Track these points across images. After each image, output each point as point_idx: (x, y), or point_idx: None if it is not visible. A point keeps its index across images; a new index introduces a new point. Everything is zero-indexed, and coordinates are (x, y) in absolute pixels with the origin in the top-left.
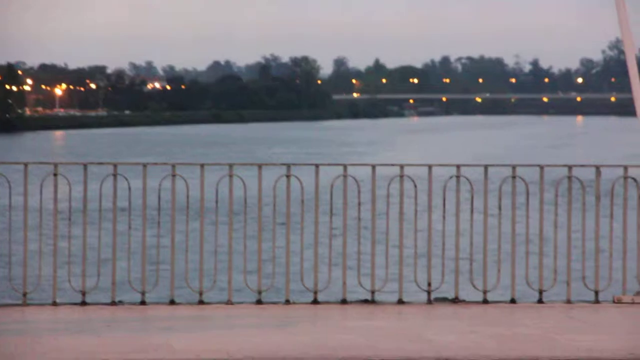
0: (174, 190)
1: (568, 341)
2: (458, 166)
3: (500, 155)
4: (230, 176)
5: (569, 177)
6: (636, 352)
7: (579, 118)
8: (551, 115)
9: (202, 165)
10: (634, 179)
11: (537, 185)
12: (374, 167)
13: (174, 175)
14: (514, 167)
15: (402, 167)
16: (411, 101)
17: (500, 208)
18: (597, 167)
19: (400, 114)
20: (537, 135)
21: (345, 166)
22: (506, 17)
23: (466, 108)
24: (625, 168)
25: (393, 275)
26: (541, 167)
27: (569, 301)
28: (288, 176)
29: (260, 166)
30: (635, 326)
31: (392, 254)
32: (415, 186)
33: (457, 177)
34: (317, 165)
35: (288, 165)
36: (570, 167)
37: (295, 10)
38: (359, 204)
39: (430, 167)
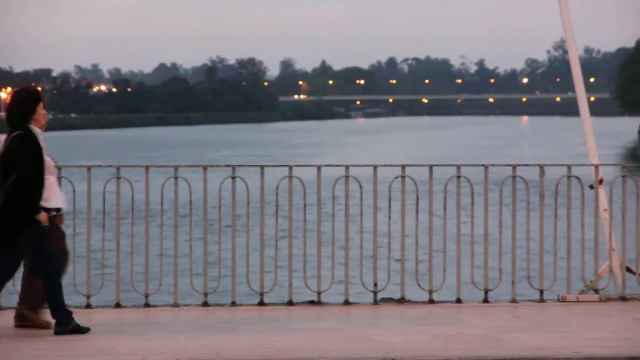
0: (119, 193)
1: (513, 340)
2: (403, 166)
3: (446, 156)
4: (176, 178)
5: (513, 177)
6: (580, 351)
7: (525, 118)
8: (497, 116)
9: (147, 168)
10: (578, 178)
11: (483, 185)
12: (319, 168)
13: (118, 178)
14: (458, 167)
15: (347, 167)
16: (358, 102)
17: (445, 208)
18: (541, 167)
19: (347, 116)
20: (483, 135)
21: (290, 167)
22: (452, 17)
23: (413, 109)
24: (569, 167)
25: (339, 276)
26: (485, 167)
27: (514, 300)
28: (233, 178)
29: (205, 168)
30: (579, 325)
31: (338, 255)
32: (361, 187)
33: (402, 177)
34: (262, 167)
35: (233, 167)
36: (514, 167)
37: (241, 11)
38: (305, 205)
39: (375, 167)
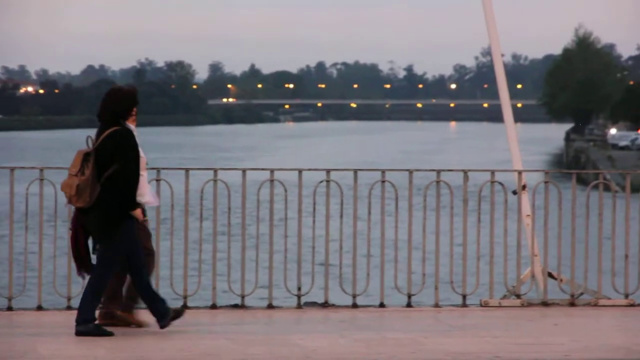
0: (42, 195)
1: (436, 344)
2: (328, 171)
3: (372, 161)
4: None
5: (437, 182)
6: (501, 355)
7: (453, 124)
8: (425, 121)
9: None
10: (501, 184)
11: (407, 190)
12: (244, 171)
13: (41, 180)
14: (383, 172)
15: (272, 171)
16: (287, 106)
17: (370, 213)
18: (465, 172)
19: (275, 119)
20: (411, 140)
21: (215, 170)
22: (381, 23)
23: (341, 113)
24: (493, 173)
25: (263, 280)
26: (410, 172)
27: (437, 305)
28: (158, 180)
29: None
30: (501, 329)
31: (262, 258)
32: (286, 191)
33: (327, 181)
34: (187, 170)
35: (158, 170)
36: (438, 172)
37: (170, 14)
38: (229, 208)
39: (300, 171)
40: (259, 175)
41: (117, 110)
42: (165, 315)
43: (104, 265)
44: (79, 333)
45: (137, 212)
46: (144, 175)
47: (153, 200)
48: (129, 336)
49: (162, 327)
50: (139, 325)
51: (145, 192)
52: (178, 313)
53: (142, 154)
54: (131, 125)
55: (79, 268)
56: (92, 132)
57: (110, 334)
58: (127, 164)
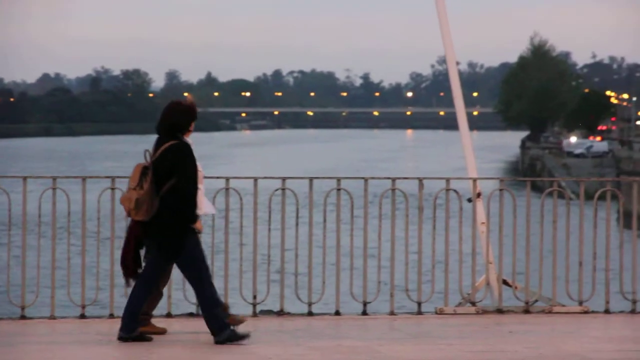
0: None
1: (391, 352)
2: (284, 179)
3: (329, 168)
4: (54, 189)
5: (393, 190)
6: None
7: (409, 131)
8: (382, 129)
9: (24, 178)
10: (456, 192)
11: (363, 198)
12: None
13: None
14: (338, 180)
15: (227, 179)
16: (243, 114)
17: (325, 220)
18: (420, 180)
19: (232, 128)
20: (368, 148)
21: None
22: (337, 30)
23: (298, 121)
24: (448, 181)
25: (219, 288)
26: (365, 180)
27: (392, 313)
28: (113, 189)
29: (84, 179)
30: (456, 337)
31: (218, 267)
32: (241, 199)
33: (283, 189)
34: None
35: (113, 178)
36: (393, 180)
37: (126, 22)
38: None
39: (255, 179)
40: (215, 184)
41: (176, 123)
42: (221, 330)
43: (149, 277)
44: (121, 338)
45: (198, 225)
46: (201, 188)
47: (210, 210)
48: (82, 346)
49: (217, 342)
50: (160, 333)
51: (203, 204)
52: (239, 336)
53: (199, 167)
54: (188, 139)
55: (125, 276)
56: (48, 141)
57: (149, 340)
58: (185, 178)
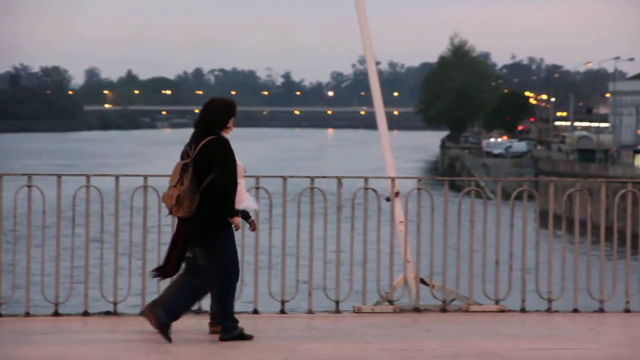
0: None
1: (308, 350)
2: None
3: (249, 167)
4: None
5: (311, 189)
6: None
7: (330, 131)
8: (303, 128)
9: None
10: (375, 191)
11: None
12: (117, 177)
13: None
14: (257, 178)
15: (145, 177)
16: (164, 113)
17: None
18: (339, 179)
19: (152, 126)
20: (289, 147)
21: (88, 177)
22: (257, 28)
23: None
24: (366, 180)
25: (137, 287)
26: (284, 178)
27: (310, 311)
28: (29, 186)
29: (0, 177)
30: (373, 335)
31: (136, 265)
32: (159, 197)
33: None
34: (59, 176)
35: (29, 176)
36: (312, 179)
37: (45, 19)
38: (102, 215)
39: None
40: (133, 182)
41: (214, 120)
42: (229, 330)
43: (198, 275)
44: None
45: (236, 220)
46: (242, 183)
47: (252, 205)
48: None
49: (222, 339)
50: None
51: (244, 199)
52: (244, 336)
53: (238, 162)
54: (227, 135)
55: (163, 275)
56: None
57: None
58: (224, 173)
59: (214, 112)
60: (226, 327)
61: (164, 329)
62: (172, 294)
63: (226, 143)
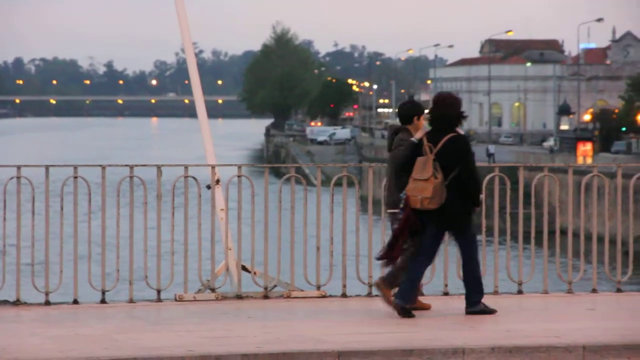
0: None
1: (129, 340)
2: (19, 167)
3: (69, 157)
4: None
5: (131, 177)
6: (195, 349)
7: (154, 119)
8: (127, 117)
9: None
10: (195, 179)
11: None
12: None
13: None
14: (75, 168)
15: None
16: None
17: (62, 209)
18: (159, 167)
19: None
20: (111, 136)
21: None
22: (80, 16)
23: (40, 110)
24: (186, 168)
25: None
26: (103, 167)
27: (131, 301)
28: None
29: None
30: (195, 323)
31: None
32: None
33: (18, 178)
34: None
35: None
36: (131, 167)
37: None
38: None
39: None
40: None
41: (453, 115)
42: (473, 304)
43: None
44: (397, 305)
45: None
46: None
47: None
48: None
49: (468, 312)
50: (425, 309)
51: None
52: (488, 310)
53: None
54: (460, 131)
55: (387, 262)
56: None
57: (412, 316)
58: (469, 167)
59: (451, 107)
60: (470, 301)
61: (406, 313)
62: (402, 281)
63: (467, 139)
